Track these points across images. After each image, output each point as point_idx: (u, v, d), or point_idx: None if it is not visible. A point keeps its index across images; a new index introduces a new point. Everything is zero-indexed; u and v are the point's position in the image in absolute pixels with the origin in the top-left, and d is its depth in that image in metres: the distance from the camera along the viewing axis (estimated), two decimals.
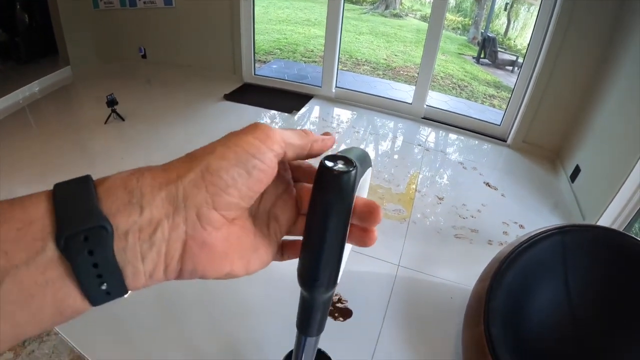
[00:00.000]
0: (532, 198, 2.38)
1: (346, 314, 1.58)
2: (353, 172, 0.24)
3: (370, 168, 0.30)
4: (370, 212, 0.27)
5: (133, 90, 3.25)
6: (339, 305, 1.60)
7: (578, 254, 1.35)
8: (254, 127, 0.25)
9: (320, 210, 0.24)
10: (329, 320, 1.56)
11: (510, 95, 2.91)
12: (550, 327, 1.34)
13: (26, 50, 3.46)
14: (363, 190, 0.32)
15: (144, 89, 3.39)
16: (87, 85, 3.35)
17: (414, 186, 2.35)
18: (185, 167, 0.23)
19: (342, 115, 3.19)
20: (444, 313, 1.63)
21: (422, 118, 3.11)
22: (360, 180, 0.27)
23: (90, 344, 1.47)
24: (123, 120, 2.78)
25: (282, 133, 0.26)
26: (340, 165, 0.24)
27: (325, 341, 1.39)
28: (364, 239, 0.28)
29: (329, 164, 0.24)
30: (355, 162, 0.24)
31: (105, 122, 2.75)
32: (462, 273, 1.80)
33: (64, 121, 2.84)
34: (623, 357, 1.23)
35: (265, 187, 0.26)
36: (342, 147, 2.63)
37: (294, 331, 0.35)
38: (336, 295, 1.63)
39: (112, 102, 2.72)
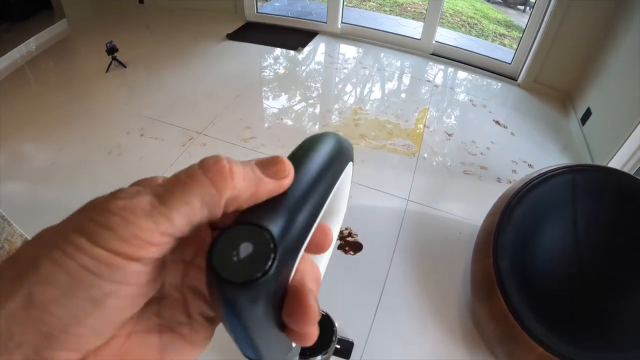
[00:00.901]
0: (541, 138, 2.35)
1: (356, 247, 1.63)
2: (262, 280, 0.15)
3: (352, 163, 0.23)
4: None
5: (133, 37, 3.15)
6: (349, 239, 1.65)
7: (587, 194, 1.35)
8: (129, 193, 0.17)
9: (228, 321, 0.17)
10: (341, 254, 1.62)
11: (521, 35, 2.77)
12: (556, 265, 1.37)
13: (19, 8, 3.32)
14: (343, 196, 0.25)
15: (144, 35, 3.28)
16: (85, 36, 3.25)
17: (422, 122, 2.32)
18: (6, 287, 0.15)
19: (349, 52, 3.09)
20: (452, 248, 1.67)
21: (431, 54, 3.01)
22: (339, 183, 0.20)
23: None
24: (125, 67, 2.72)
25: (195, 192, 0.17)
26: (240, 264, 0.15)
27: (336, 276, 1.44)
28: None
29: (221, 255, 0.16)
30: (275, 240, 0.16)
31: (107, 71, 2.70)
32: (470, 209, 1.82)
33: (64, 75, 2.78)
34: (627, 298, 1.26)
35: (142, 305, 0.18)
36: (347, 96, 2.59)
37: None
38: (346, 229, 1.68)
39: (111, 50, 2.65)
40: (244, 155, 1.99)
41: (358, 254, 1.62)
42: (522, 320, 1.13)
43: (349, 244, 1.64)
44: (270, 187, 0.18)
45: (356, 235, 1.66)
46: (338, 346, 1.22)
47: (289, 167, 0.19)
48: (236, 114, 2.28)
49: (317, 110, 2.46)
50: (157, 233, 0.16)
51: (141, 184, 0.18)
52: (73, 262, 0.15)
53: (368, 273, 1.58)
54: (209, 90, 2.52)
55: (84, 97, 2.51)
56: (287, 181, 0.18)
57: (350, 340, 1.39)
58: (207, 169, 0.17)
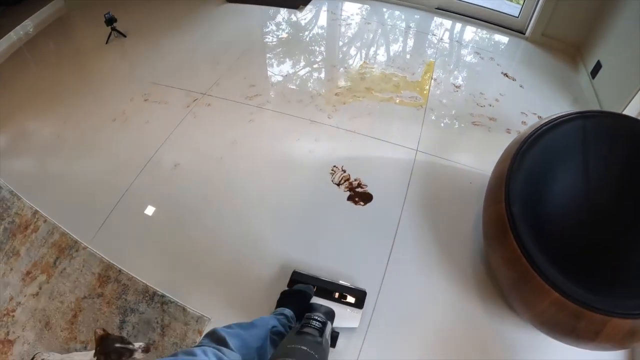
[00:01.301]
0: (551, 91, 2.29)
1: (366, 198, 1.63)
2: None
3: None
4: None
5: (131, 7, 3.09)
6: (358, 190, 1.64)
7: (599, 140, 1.32)
8: None
9: None
10: (350, 205, 1.61)
11: None
12: (568, 211, 1.35)
13: None
14: None
15: (142, 3, 3.23)
16: (82, 12, 3.20)
17: (429, 75, 2.28)
18: None
19: (352, 8, 3.01)
20: (463, 197, 1.66)
21: (436, 9, 2.92)
22: None
23: (118, 253, 1.57)
24: (125, 36, 2.69)
25: None
26: None
27: (347, 226, 1.43)
28: None
29: None
30: None
31: (107, 42, 2.67)
32: (480, 159, 1.80)
33: (64, 52, 2.76)
34: (638, 246, 1.24)
35: None
36: (352, 51, 2.54)
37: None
38: (355, 180, 1.67)
39: (110, 20, 2.62)
40: (250, 113, 1.97)
41: (368, 204, 1.62)
42: (536, 263, 1.12)
43: (359, 195, 1.63)
44: None
45: (365, 186, 1.65)
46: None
47: None
48: (240, 73, 2.25)
49: (322, 65, 2.42)
50: None
51: None
52: None
53: (379, 223, 1.58)
54: (211, 53, 2.48)
55: (86, 70, 2.50)
56: None
57: (363, 289, 1.40)
58: None
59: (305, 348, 0.94)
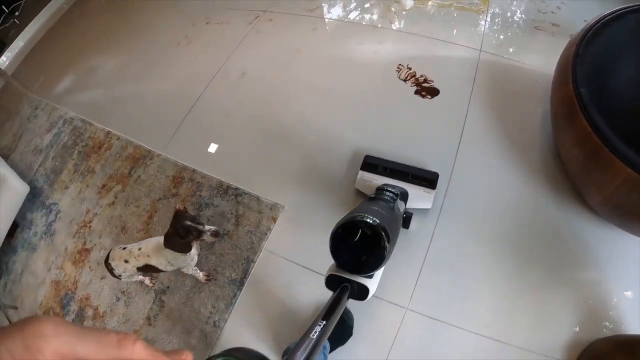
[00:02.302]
0: (615, 2, 2.18)
1: (433, 92, 1.60)
2: None
3: None
4: None
5: None
6: (425, 85, 1.61)
7: None
8: (22, 329, 0.19)
9: None
10: (418, 99, 1.58)
11: None
12: (637, 96, 1.28)
13: None
14: None
15: None
16: None
17: None
18: None
19: None
20: (529, 94, 1.60)
21: None
22: None
23: (191, 156, 1.60)
24: None
25: (68, 341, 0.19)
26: None
27: (415, 117, 1.41)
28: None
29: None
30: None
31: None
32: (544, 61, 1.73)
33: None
34: None
35: None
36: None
37: None
38: (421, 76, 1.64)
39: None
40: (312, 23, 1.98)
41: (435, 98, 1.58)
42: (607, 139, 1.05)
43: (425, 89, 1.60)
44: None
45: (432, 81, 1.62)
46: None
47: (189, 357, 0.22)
48: None
49: None
50: (57, 353, 0.18)
51: None
52: None
53: (447, 114, 1.54)
54: None
55: (144, 7, 2.56)
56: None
57: (435, 172, 1.37)
58: (122, 339, 0.20)
59: (377, 208, 0.93)
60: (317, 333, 0.64)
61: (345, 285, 0.83)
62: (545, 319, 1.17)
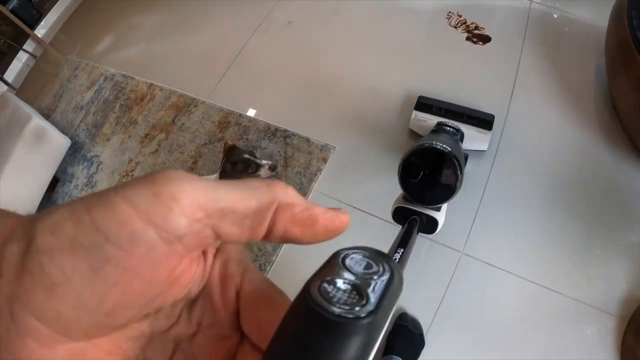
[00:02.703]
0: None
1: (484, 39, 1.56)
2: (369, 319, 0.14)
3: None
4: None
5: None
6: (476, 32, 1.58)
7: None
8: (148, 179, 0.14)
9: None
10: (469, 45, 1.55)
11: None
12: None
13: None
14: None
15: None
16: None
17: None
18: (11, 227, 0.14)
19: None
20: (582, 46, 1.55)
21: None
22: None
23: (235, 102, 1.59)
24: None
25: (207, 189, 0.14)
26: (346, 300, 0.14)
27: (466, 64, 1.38)
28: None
29: (326, 289, 0.14)
30: (393, 272, 0.16)
31: None
32: (595, 13, 1.68)
33: None
34: None
35: (154, 299, 0.15)
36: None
37: None
38: (472, 23, 1.60)
39: None
40: None
41: (487, 44, 1.55)
42: None
43: (477, 36, 1.56)
44: (324, 212, 0.16)
45: (483, 28, 1.58)
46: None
47: (347, 217, 0.17)
48: None
49: None
50: (201, 208, 0.14)
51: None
52: (86, 212, 0.13)
53: (499, 61, 1.51)
54: None
55: None
56: (346, 216, 0.17)
57: (491, 113, 1.33)
58: (271, 185, 0.16)
59: (444, 138, 0.91)
60: (397, 260, 0.62)
61: (414, 218, 0.80)
62: (601, 273, 1.12)
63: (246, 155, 1.18)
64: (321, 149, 1.40)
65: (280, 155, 1.43)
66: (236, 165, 1.16)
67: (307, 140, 1.42)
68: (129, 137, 1.76)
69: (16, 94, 2.54)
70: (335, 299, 0.14)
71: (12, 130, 1.77)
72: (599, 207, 1.21)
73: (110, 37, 2.19)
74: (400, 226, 0.79)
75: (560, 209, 1.22)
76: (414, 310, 1.18)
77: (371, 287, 0.15)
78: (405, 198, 0.84)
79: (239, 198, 0.15)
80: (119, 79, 1.95)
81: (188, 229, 0.13)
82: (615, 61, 1.25)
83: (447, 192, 0.80)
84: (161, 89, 1.78)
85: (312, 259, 1.19)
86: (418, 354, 1.13)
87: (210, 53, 1.79)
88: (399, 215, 0.84)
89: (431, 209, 0.82)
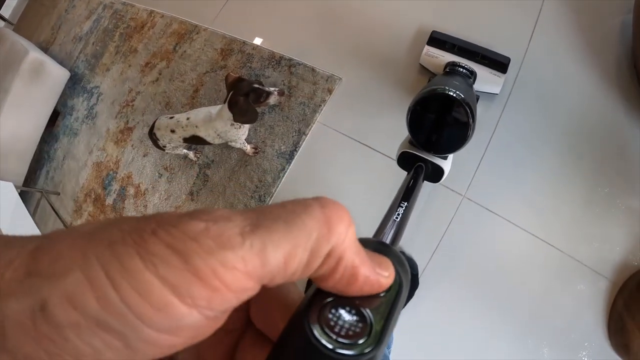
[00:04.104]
0: None
1: None
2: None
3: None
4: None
5: None
6: None
7: None
8: (178, 245, 0.12)
9: None
10: None
11: None
12: None
13: None
14: None
15: None
16: None
17: None
18: (19, 278, 0.11)
19: None
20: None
21: None
22: None
23: (239, 29, 1.50)
24: None
25: (254, 251, 0.12)
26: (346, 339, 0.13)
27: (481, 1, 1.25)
28: None
29: (323, 330, 0.13)
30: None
31: None
32: None
33: None
34: None
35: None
36: None
37: None
38: None
39: None
40: None
41: None
42: None
43: None
44: (368, 275, 0.14)
45: None
46: None
47: (392, 270, 0.15)
48: None
49: None
50: (243, 273, 0.12)
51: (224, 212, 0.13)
52: (112, 286, 0.11)
53: (520, 2, 1.40)
54: None
55: None
56: (388, 281, 0.15)
57: (507, 56, 1.25)
58: (325, 204, 0.14)
59: (457, 83, 0.84)
60: (400, 215, 0.58)
61: (420, 165, 0.77)
62: (599, 234, 1.08)
63: (256, 85, 1.12)
64: (327, 80, 1.33)
65: (284, 84, 1.37)
66: (248, 96, 1.11)
67: (313, 70, 1.35)
68: (129, 66, 1.70)
69: (14, 29, 2.46)
70: (337, 329, 0.13)
71: (10, 66, 1.72)
72: (606, 167, 1.15)
73: None
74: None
75: (569, 164, 1.17)
76: (411, 249, 1.15)
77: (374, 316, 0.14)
78: (411, 143, 0.80)
79: (292, 254, 0.12)
80: (119, 7, 1.86)
81: (235, 302, 0.12)
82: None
83: (457, 141, 0.76)
84: (162, 16, 1.70)
85: (313, 190, 1.17)
86: (412, 295, 1.12)
87: None
88: (404, 160, 0.81)
89: (438, 156, 0.79)
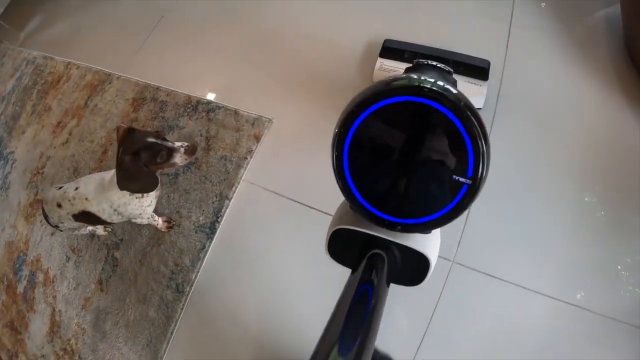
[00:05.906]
0: None
1: None
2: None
3: None
4: None
5: None
6: None
7: None
8: None
9: None
10: None
11: None
12: None
13: None
14: None
15: None
16: None
17: None
18: None
19: None
20: None
21: None
22: None
23: (155, 74, 1.24)
24: None
25: None
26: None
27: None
28: None
29: None
30: None
31: None
32: None
33: None
34: None
35: None
36: None
37: None
38: None
39: None
40: None
41: None
42: None
43: None
44: None
45: None
46: None
47: None
48: None
49: None
50: None
51: None
52: None
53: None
54: None
55: None
56: None
57: (485, 59, 0.94)
58: None
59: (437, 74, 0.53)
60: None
61: (376, 253, 0.40)
62: (618, 273, 0.77)
63: (151, 139, 0.82)
64: (253, 124, 1.03)
65: (201, 135, 1.07)
66: (139, 155, 0.80)
67: (236, 112, 1.05)
68: (42, 127, 1.44)
69: None
70: None
71: None
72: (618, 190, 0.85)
73: (37, 17, 1.90)
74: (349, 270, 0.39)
75: (574, 195, 0.83)
76: (395, 340, 0.80)
77: None
78: (354, 208, 0.39)
79: None
80: (40, 62, 1.64)
81: None
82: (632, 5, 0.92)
83: (452, 189, 0.37)
84: (77, 67, 1.45)
85: (242, 274, 0.79)
86: None
87: (132, 18, 1.46)
88: (342, 245, 0.44)
89: (412, 231, 0.39)
